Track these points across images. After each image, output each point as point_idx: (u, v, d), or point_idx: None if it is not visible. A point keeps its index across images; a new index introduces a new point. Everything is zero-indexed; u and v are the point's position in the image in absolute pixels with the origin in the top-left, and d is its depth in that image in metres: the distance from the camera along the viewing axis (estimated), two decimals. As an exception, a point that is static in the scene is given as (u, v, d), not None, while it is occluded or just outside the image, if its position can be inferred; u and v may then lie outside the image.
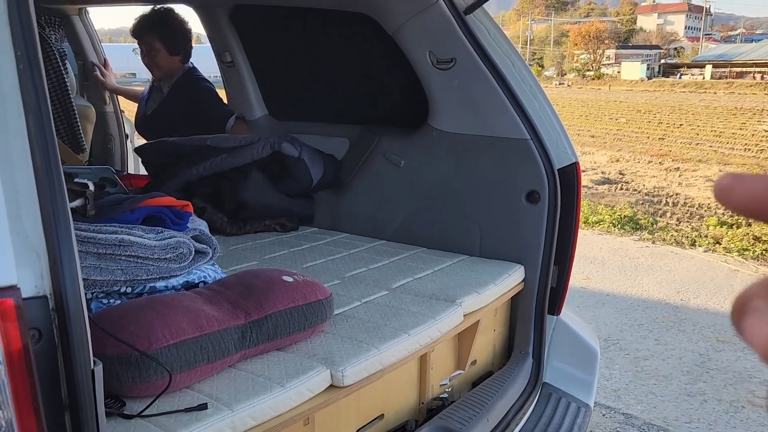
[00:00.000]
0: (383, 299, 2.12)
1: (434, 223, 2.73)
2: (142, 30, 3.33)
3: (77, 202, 1.69)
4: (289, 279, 1.76)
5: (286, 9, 3.05)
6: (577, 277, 5.69)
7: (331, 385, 1.62)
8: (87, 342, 1.03)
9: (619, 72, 57.50)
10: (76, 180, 1.76)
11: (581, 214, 8.24)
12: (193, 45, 3.55)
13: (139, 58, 3.42)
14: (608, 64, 62.56)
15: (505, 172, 2.50)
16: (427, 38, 2.51)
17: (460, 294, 2.16)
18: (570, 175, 2.42)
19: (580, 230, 7.48)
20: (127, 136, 4.53)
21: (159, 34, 3.29)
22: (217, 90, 3.59)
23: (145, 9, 3.41)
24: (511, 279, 2.42)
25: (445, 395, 2.21)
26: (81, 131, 3.93)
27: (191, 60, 3.53)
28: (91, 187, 1.75)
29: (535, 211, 2.44)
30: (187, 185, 2.98)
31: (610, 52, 64.61)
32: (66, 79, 3.89)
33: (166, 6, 3.39)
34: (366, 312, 2.00)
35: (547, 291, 2.48)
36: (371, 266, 2.48)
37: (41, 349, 0.99)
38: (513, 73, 2.43)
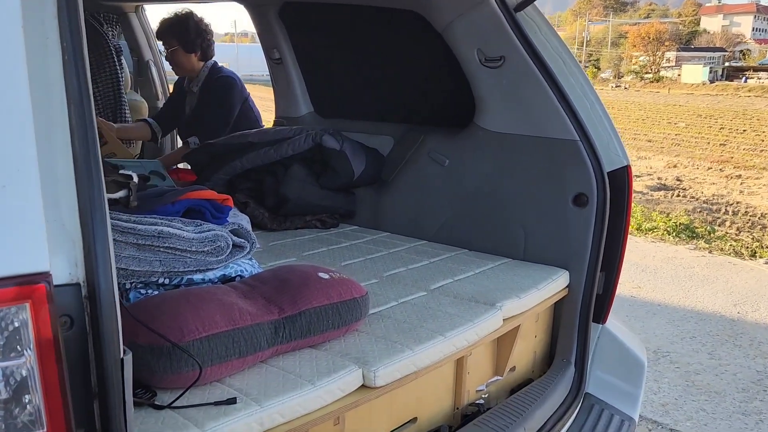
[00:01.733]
0: (420, 300, 2.08)
1: (477, 225, 2.67)
2: (162, 31, 3.52)
3: (121, 193, 1.72)
4: (325, 276, 1.74)
5: (335, 6, 3.05)
6: (627, 286, 5.52)
7: (362, 386, 1.59)
8: (117, 331, 1.03)
9: (679, 75, 55.66)
10: (121, 171, 1.79)
11: (634, 220, 7.92)
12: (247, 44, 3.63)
13: (161, 59, 3.58)
14: (668, 67, 60.60)
15: (552, 174, 2.42)
16: (476, 36, 2.46)
17: (500, 297, 2.10)
18: (620, 178, 2.33)
19: (631, 237, 7.18)
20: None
21: (175, 33, 3.47)
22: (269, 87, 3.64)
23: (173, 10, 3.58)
24: (555, 284, 2.34)
25: (482, 401, 2.15)
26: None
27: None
28: (135, 179, 1.77)
29: (583, 215, 2.36)
30: (231, 180, 3.01)
31: (671, 54, 62.57)
32: (120, 75, 4.00)
33: (187, 9, 3.58)
34: (402, 312, 1.96)
35: (593, 298, 2.40)
36: (410, 266, 2.44)
37: (72, 336, 0.99)
38: (564, 72, 2.36)
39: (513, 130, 2.51)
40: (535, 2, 2.33)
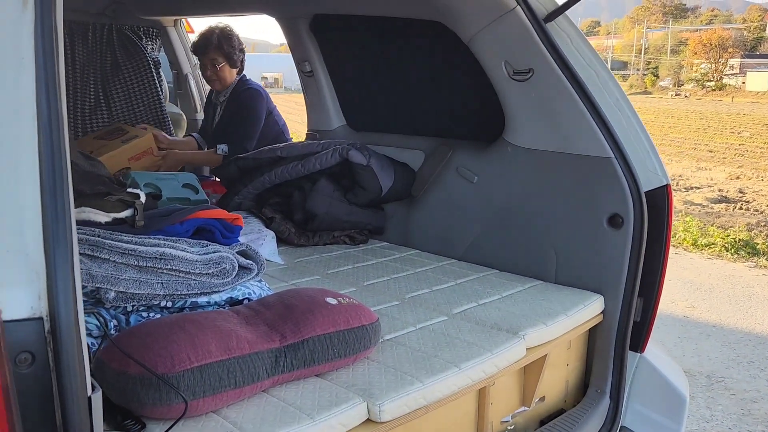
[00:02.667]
0: (440, 326, 1.98)
1: (507, 245, 2.55)
2: (206, 47, 3.50)
3: (126, 213, 1.69)
4: (333, 301, 1.66)
5: (364, 18, 2.99)
6: (680, 305, 5.24)
7: (367, 419, 1.50)
8: (83, 368, 0.98)
9: (743, 83, 53.41)
10: (128, 190, 1.77)
11: (689, 235, 7.52)
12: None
13: (199, 72, 3.61)
14: (731, 74, 58.21)
15: (585, 193, 2.29)
16: (503, 47, 2.35)
17: (524, 325, 1.98)
18: (659, 198, 2.17)
19: (686, 253, 6.81)
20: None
21: (223, 49, 3.48)
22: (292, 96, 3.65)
23: (210, 25, 3.59)
24: (588, 310, 2.20)
25: (507, 434, 2.03)
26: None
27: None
28: (142, 198, 1.74)
29: (618, 237, 2.22)
30: (260, 195, 2.98)
31: (734, 61, 60.08)
32: (159, 88, 4.06)
33: (223, 24, 3.58)
34: (418, 339, 1.87)
35: (630, 325, 2.25)
36: (435, 287, 2.34)
37: (33, 373, 0.95)
38: (597, 84, 2.22)
39: (543, 146, 2.39)
40: (566, 12, 2.20)
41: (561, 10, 2.18)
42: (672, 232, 2.26)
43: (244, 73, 3.64)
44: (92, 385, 1.02)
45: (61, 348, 0.94)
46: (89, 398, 0.99)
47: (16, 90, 1.01)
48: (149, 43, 4.12)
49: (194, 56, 3.74)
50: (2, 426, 0.87)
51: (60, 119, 1.01)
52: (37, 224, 0.97)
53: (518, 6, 2.20)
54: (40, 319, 0.95)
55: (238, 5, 3.48)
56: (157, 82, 4.04)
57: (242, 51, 3.55)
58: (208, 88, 3.90)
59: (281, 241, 2.88)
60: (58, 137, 1.00)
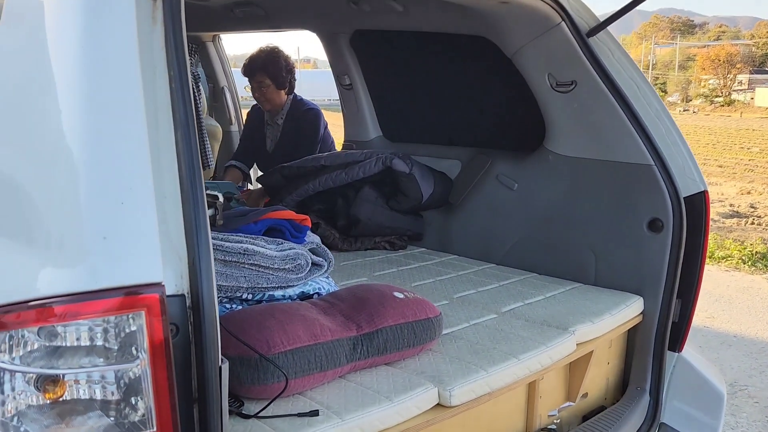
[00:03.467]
0: (492, 322, 2.09)
1: (546, 249, 2.66)
2: (253, 69, 3.60)
3: (208, 212, 1.81)
4: (401, 295, 1.78)
5: (405, 33, 3.13)
6: (699, 315, 5.30)
7: (438, 404, 1.61)
8: (217, 340, 1.10)
9: (752, 98, 53.44)
10: (207, 192, 1.89)
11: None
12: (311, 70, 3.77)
13: (250, 93, 3.69)
14: (740, 90, 58.26)
15: (625, 199, 2.40)
16: (547, 60, 2.48)
17: (573, 322, 2.08)
18: (698, 203, 2.28)
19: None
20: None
21: (269, 71, 3.56)
22: (332, 112, 3.76)
23: (260, 46, 3.69)
24: (629, 310, 2.30)
25: (554, 427, 2.13)
26: (210, 149, 4.21)
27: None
28: (221, 199, 1.87)
29: (658, 241, 2.32)
30: (303, 201, 3.11)
31: (743, 77, 60.16)
32: (198, 101, 4.20)
33: (272, 45, 3.67)
34: (474, 334, 1.98)
35: (668, 325, 2.34)
36: (480, 289, 2.45)
37: (177, 343, 1.07)
38: (638, 96, 2.34)
39: (585, 154, 2.51)
40: (608, 27, 2.33)
41: (603, 25, 2.30)
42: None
43: (295, 92, 3.72)
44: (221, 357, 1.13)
45: (201, 321, 1.06)
46: (220, 368, 1.10)
47: (153, 94, 1.14)
48: (189, 58, 4.27)
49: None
50: (164, 394, 0.99)
51: (194, 118, 1.14)
52: (178, 212, 1.09)
53: (563, 21, 2.33)
54: (183, 295, 1.07)
55: (281, 22, 3.62)
56: (196, 95, 4.19)
57: (290, 72, 3.62)
58: (245, 102, 3.99)
59: (325, 245, 3.00)
60: (194, 134, 1.13)
